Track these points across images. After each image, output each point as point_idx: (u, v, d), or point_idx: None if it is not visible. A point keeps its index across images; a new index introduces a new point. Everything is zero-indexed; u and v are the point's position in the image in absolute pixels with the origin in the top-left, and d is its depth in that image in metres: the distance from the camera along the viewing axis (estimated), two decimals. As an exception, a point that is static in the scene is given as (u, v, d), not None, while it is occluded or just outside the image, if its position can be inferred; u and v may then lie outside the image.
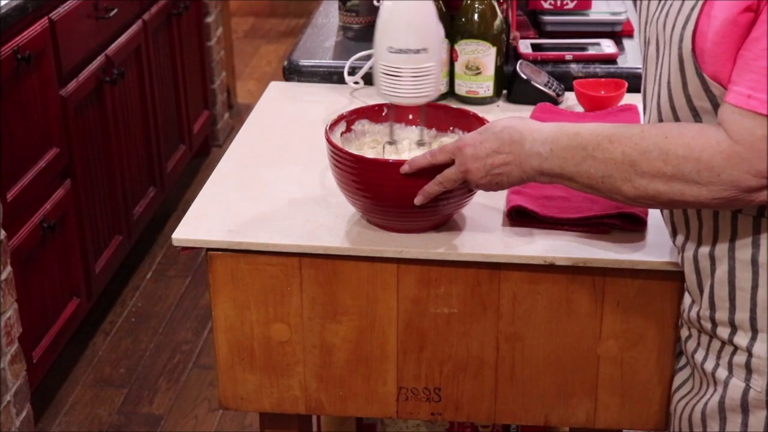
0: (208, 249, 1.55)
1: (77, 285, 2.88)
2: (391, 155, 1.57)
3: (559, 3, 2.18)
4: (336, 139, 1.56)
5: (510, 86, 1.99)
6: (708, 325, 1.39)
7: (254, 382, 1.63)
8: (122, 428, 2.76)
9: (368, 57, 2.07)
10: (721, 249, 1.35)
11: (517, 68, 1.97)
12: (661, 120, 1.35)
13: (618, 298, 1.52)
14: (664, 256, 1.48)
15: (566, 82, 1.99)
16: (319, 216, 1.59)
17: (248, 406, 1.65)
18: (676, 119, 1.33)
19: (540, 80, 1.96)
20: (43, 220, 2.64)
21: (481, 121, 1.56)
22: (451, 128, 1.61)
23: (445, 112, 1.63)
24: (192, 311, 3.25)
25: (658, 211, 1.51)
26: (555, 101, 1.95)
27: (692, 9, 1.26)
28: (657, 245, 1.50)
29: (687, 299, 1.44)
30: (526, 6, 2.22)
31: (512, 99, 1.98)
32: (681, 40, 1.27)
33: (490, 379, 1.59)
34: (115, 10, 3.03)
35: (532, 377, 1.58)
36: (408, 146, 1.59)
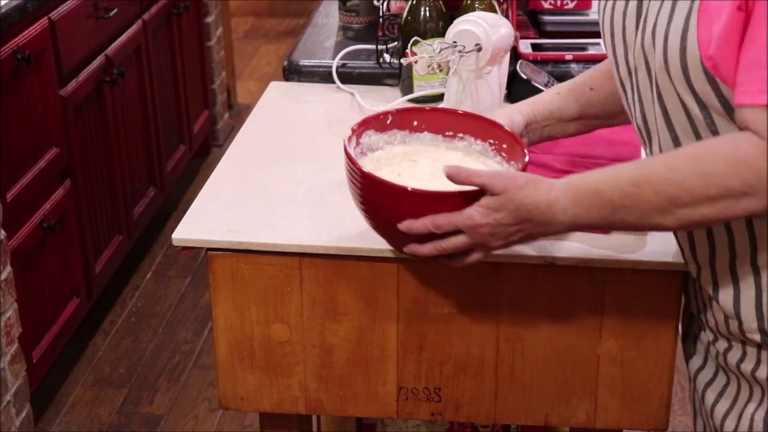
0: (208, 249, 1.55)
1: (77, 285, 2.88)
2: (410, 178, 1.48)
3: (559, 3, 2.18)
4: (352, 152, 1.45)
5: (510, 86, 1.98)
6: (756, 337, 1.35)
7: (254, 382, 1.63)
8: (122, 428, 2.76)
9: (353, 53, 2.07)
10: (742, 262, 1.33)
11: (517, 68, 1.97)
12: (676, 136, 1.31)
13: (618, 298, 1.52)
14: (664, 256, 1.48)
15: (566, 82, 1.99)
16: (319, 216, 1.58)
17: (248, 406, 1.65)
18: (694, 128, 1.29)
19: (540, 80, 1.96)
20: (43, 220, 2.64)
21: (491, 124, 1.51)
22: (459, 135, 1.54)
23: (452, 117, 1.55)
24: (192, 311, 3.25)
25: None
26: (555, 101, 1.94)
27: (687, 19, 1.23)
28: (657, 245, 1.50)
29: (719, 313, 1.39)
30: (526, 6, 2.22)
31: (512, 99, 1.97)
32: (684, 51, 1.24)
33: (490, 379, 1.59)
34: (115, 10, 3.03)
35: (532, 377, 1.58)
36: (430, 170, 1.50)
